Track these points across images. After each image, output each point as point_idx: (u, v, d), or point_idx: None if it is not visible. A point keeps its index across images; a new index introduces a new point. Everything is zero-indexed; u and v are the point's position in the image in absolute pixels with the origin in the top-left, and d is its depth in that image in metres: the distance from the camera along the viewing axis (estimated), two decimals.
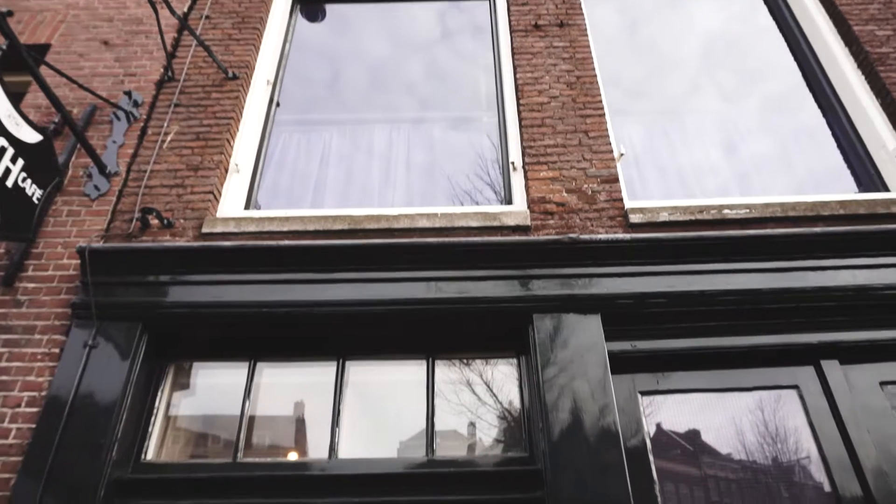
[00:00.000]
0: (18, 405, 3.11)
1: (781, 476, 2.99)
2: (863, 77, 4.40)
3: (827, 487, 2.92)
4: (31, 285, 3.48)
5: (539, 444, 2.96)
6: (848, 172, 4.20)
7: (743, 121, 4.51)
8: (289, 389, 3.44)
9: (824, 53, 4.70)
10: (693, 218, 3.55)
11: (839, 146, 4.34)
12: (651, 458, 2.97)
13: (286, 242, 3.41)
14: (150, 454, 3.20)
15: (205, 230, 3.62)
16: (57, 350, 3.25)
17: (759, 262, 3.33)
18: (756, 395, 3.19)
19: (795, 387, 3.19)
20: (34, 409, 3.09)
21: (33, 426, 3.02)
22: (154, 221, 3.67)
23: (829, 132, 4.43)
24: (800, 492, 2.96)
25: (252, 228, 3.63)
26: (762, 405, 3.16)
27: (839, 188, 4.07)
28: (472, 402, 3.32)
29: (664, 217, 3.55)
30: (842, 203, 3.60)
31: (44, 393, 3.12)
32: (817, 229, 3.38)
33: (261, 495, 2.96)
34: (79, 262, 3.44)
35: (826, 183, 4.15)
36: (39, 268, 3.55)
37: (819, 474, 2.96)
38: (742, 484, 2.97)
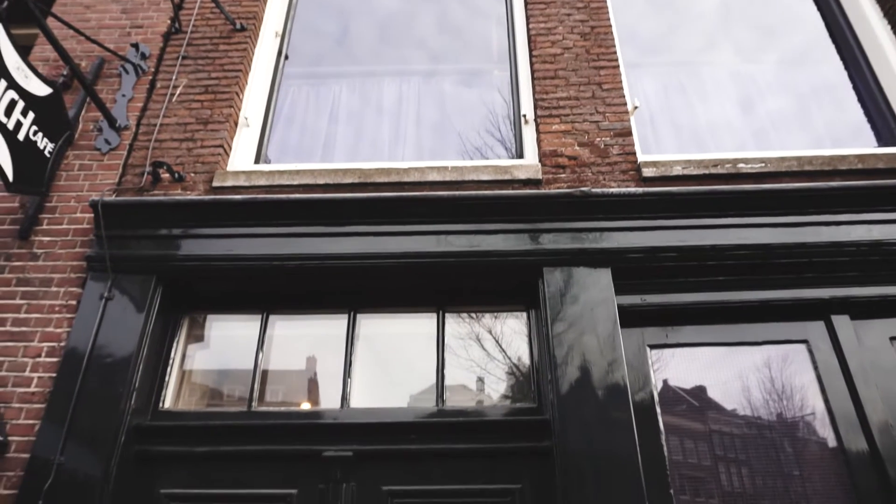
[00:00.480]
0: (39, 355, 3.19)
1: (788, 432, 3.01)
2: (889, 28, 4.25)
3: (833, 443, 2.94)
4: (47, 239, 3.53)
5: (547, 395, 3.00)
6: (868, 128, 4.11)
7: (762, 76, 4.39)
8: (301, 341, 3.50)
9: (849, 3, 4.54)
10: (707, 172, 3.50)
11: (860, 101, 4.23)
12: (658, 411, 3.00)
13: (296, 196, 3.42)
14: (168, 403, 3.28)
15: (215, 184, 3.63)
16: (74, 302, 3.30)
17: (772, 217, 3.29)
18: (764, 351, 3.19)
19: (805, 341, 3.19)
20: (54, 360, 3.16)
21: (54, 375, 3.09)
22: (165, 175, 3.68)
23: (850, 87, 4.31)
24: (805, 447, 2.99)
25: (262, 182, 3.63)
26: (770, 362, 3.17)
27: (858, 144, 3.98)
28: (482, 355, 3.36)
29: (677, 171, 3.50)
30: (860, 157, 3.53)
31: (62, 343, 3.18)
32: (833, 184, 3.33)
33: (275, 442, 3.04)
34: (92, 215, 3.47)
35: (845, 139, 4.06)
36: (54, 221, 3.58)
37: (825, 430, 2.98)
38: (748, 439, 3.00)
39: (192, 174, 3.69)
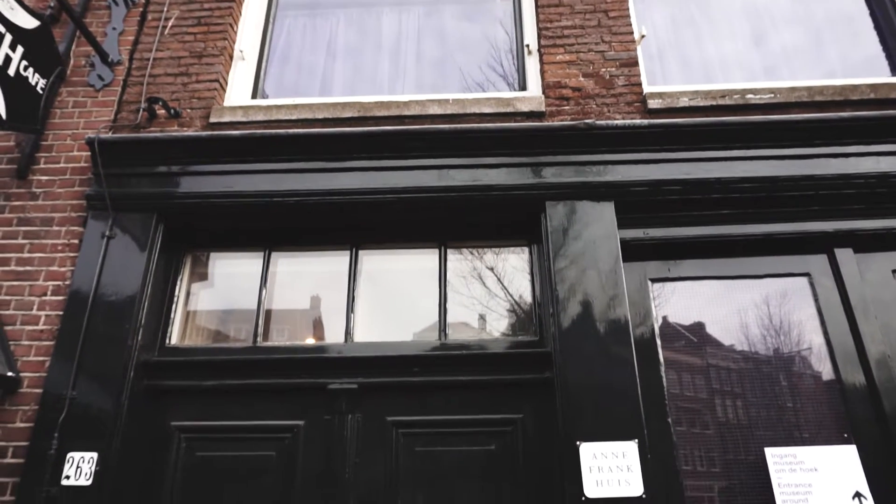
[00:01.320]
0: (44, 294, 3.22)
1: (784, 366, 3.04)
2: None
3: (829, 376, 2.97)
4: (45, 178, 3.50)
5: (549, 329, 3.03)
6: (883, 58, 3.97)
7: (775, 6, 4.21)
8: (304, 278, 3.52)
9: None
10: (714, 103, 3.42)
11: (877, 28, 4.07)
12: (659, 344, 3.03)
13: (295, 131, 3.36)
14: (174, 339, 3.33)
15: (212, 120, 3.56)
16: (76, 241, 3.31)
17: (779, 149, 3.23)
18: (765, 286, 3.19)
19: (807, 274, 3.18)
20: (60, 298, 3.19)
21: (60, 313, 3.13)
22: (161, 111, 3.61)
23: (867, 15, 4.14)
24: (801, 381, 3.02)
25: (260, 117, 3.56)
26: (769, 298, 3.17)
27: (872, 74, 3.85)
28: (484, 291, 3.37)
29: (684, 102, 3.42)
30: (873, 87, 3.44)
31: (67, 282, 3.20)
32: (844, 114, 3.25)
33: (281, 376, 3.10)
34: (89, 153, 3.42)
35: (859, 70, 3.92)
36: (51, 160, 3.55)
37: (822, 364, 3.01)
38: (744, 373, 3.03)
39: (189, 110, 3.62)
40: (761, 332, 3.10)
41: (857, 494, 2.70)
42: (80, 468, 2.80)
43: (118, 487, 2.84)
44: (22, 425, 2.93)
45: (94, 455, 2.81)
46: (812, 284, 3.16)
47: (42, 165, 3.53)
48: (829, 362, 2.99)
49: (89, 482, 2.77)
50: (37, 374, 3.03)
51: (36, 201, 3.43)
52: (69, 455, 2.81)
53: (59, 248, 3.32)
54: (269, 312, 3.40)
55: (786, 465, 2.77)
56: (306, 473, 2.93)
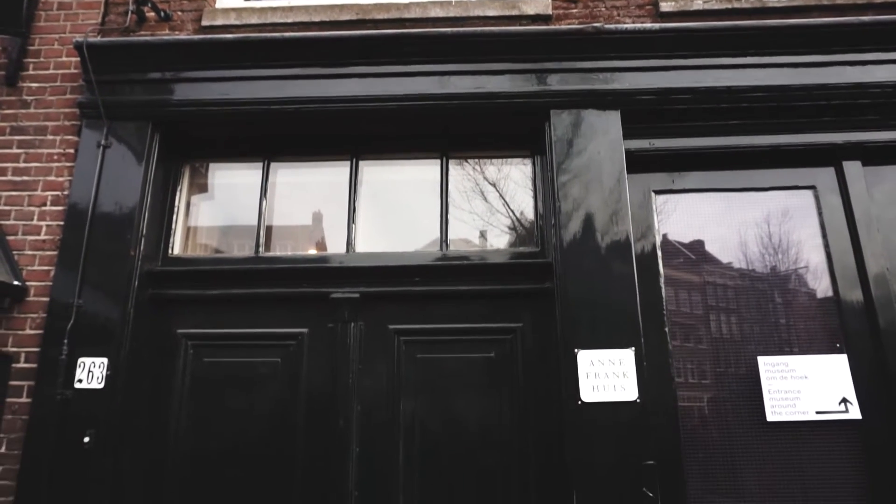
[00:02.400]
0: (44, 204, 3.20)
1: (786, 283, 3.05)
2: None
3: (827, 293, 2.99)
4: (35, 85, 3.40)
5: (550, 240, 3.03)
6: None
7: None
8: (304, 189, 3.49)
9: None
10: (730, 6, 3.26)
11: None
12: (659, 255, 3.04)
13: (291, 35, 3.23)
14: (177, 250, 3.35)
15: (205, 23, 3.42)
16: (72, 150, 3.26)
17: (794, 56, 3.11)
18: (768, 202, 3.15)
19: (812, 188, 3.14)
20: (59, 208, 3.18)
21: (62, 223, 3.13)
22: (150, 14, 3.45)
23: None
24: (801, 297, 3.04)
25: (254, 20, 3.41)
26: (773, 215, 3.14)
27: None
28: (486, 203, 3.35)
29: (698, 5, 3.26)
30: None
31: (66, 192, 3.18)
32: (865, 18, 3.10)
33: (284, 285, 3.13)
34: (79, 59, 3.30)
35: None
36: (40, 66, 3.44)
37: (821, 280, 3.02)
38: (741, 290, 3.04)
39: (179, 12, 3.46)
40: (761, 250, 3.10)
41: (844, 400, 2.79)
42: (91, 372, 2.88)
43: (130, 391, 2.94)
44: (32, 332, 3.00)
45: (105, 360, 2.89)
46: (817, 198, 3.12)
47: (31, 72, 3.43)
48: (827, 278, 3.01)
49: (101, 385, 2.86)
50: (42, 283, 3.07)
51: (28, 109, 3.36)
52: (80, 360, 2.89)
53: (55, 157, 3.27)
54: (270, 220, 3.40)
55: (777, 372, 2.85)
56: (311, 379, 3.03)
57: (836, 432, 2.78)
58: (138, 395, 3.00)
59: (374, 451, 2.91)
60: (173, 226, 3.35)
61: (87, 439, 2.79)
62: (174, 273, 3.19)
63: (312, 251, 3.40)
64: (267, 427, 2.99)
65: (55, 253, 3.09)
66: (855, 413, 2.76)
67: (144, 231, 3.12)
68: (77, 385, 2.86)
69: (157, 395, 3.06)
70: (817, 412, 2.78)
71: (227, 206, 3.52)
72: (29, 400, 2.88)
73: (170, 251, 3.30)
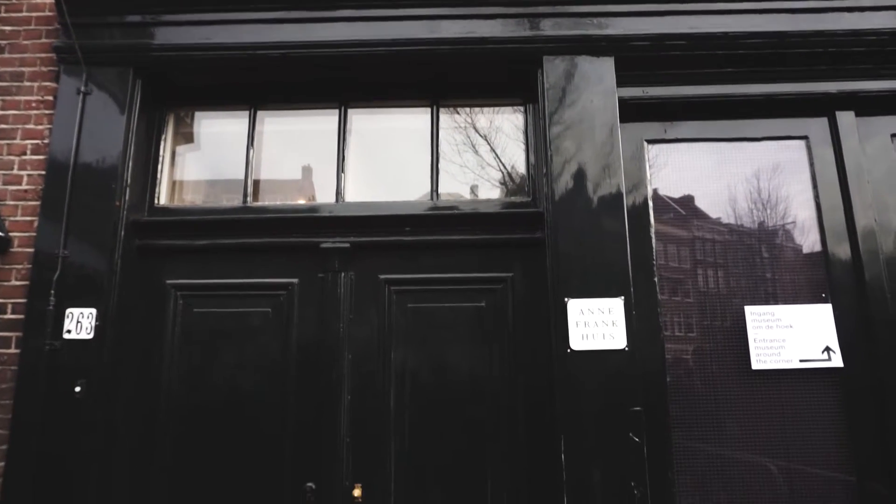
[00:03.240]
0: (24, 153, 3.12)
1: (774, 237, 3.05)
2: None
3: (816, 245, 3.00)
4: (8, 28, 3.28)
5: (542, 189, 3.01)
6: None
7: None
8: (292, 138, 3.42)
9: None
10: None
11: None
12: (650, 206, 3.03)
13: None
14: (163, 200, 3.30)
15: None
16: (51, 98, 3.16)
17: (793, 1, 3.05)
18: (760, 154, 3.12)
19: (805, 138, 3.13)
20: (40, 157, 3.10)
21: (43, 173, 3.06)
22: None
23: None
24: (788, 251, 3.04)
25: None
26: (765, 166, 3.11)
27: None
28: (477, 152, 3.31)
29: None
30: None
31: (46, 141, 3.10)
32: None
33: (273, 235, 3.11)
34: (53, 1, 3.17)
35: None
36: (12, 8, 3.30)
37: (810, 233, 3.02)
38: (729, 245, 3.04)
39: None
40: (750, 205, 3.09)
41: (827, 349, 2.85)
42: (80, 323, 2.87)
43: (120, 342, 2.94)
44: (17, 283, 2.96)
45: (93, 311, 2.87)
46: (809, 149, 3.11)
47: (4, 14, 3.29)
48: (816, 230, 3.01)
49: (90, 336, 2.85)
50: (26, 234, 3.02)
51: (2, 54, 3.24)
52: (68, 311, 2.87)
53: (34, 104, 3.17)
54: (257, 173, 3.35)
55: (763, 321, 2.89)
56: (302, 329, 3.03)
57: (819, 380, 2.84)
58: (128, 346, 3.00)
59: (366, 399, 2.95)
60: (158, 175, 3.29)
61: (78, 389, 2.80)
62: (161, 223, 3.15)
63: (301, 200, 3.36)
64: (259, 376, 3.00)
65: (38, 203, 3.03)
66: (837, 361, 2.82)
67: (129, 181, 3.05)
68: (66, 336, 2.85)
69: (147, 346, 3.06)
70: (801, 360, 2.84)
71: (214, 155, 3.46)
72: (18, 351, 2.87)
73: (156, 201, 3.25)
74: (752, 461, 2.79)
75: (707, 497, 2.76)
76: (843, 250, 2.96)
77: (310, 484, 2.86)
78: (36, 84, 3.20)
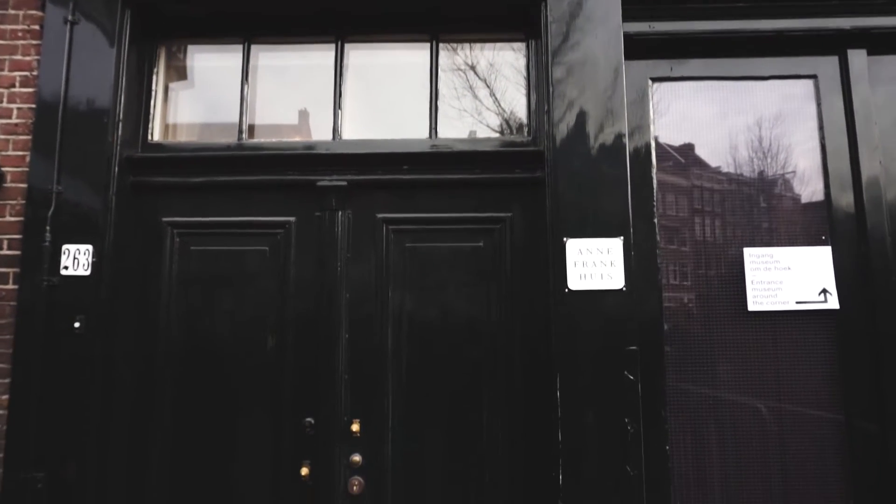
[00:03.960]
0: (13, 85, 3.05)
1: (775, 185, 3.01)
2: None
3: (819, 192, 2.96)
4: None
5: (543, 127, 2.95)
6: None
7: None
8: (287, 73, 3.33)
9: None
10: None
11: None
12: (652, 144, 2.98)
13: None
14: (157, 136, 3.24)
15: None
16: (37, 27, 3.06)
17: None
18: (767, 94, 3.04)
19: (814, 77, 3.04)
20: (30, 90, 3.03)
21: (33, 106, 2.99)
22: None
23: None
24: (788, 199, 3.00)
25: None
26: (772, 105, 3.04)
27: None
28: (477, 92, 3.23)
29: None
30: None
31: (35, 73, 3.02)
32: None
33: (269, 172, 3.06)
34: None
35: None
36: None
37: (813, 173, 2.97)
38: (726, 194, 3.00)
39: None
40: (750, 153, 3.03)
41: (824, 290, 2.85)
42: (76, 259, 2.86)
43: (117, 279, 2.94)
44: (12, 219, 2.94)
45: (90, 247, 2.86)
46: (817, 88, 3.02)
47: None
48: (820, 174, 2.96)
49: (88, 272, 2.85)
50: (19, 169, 2.98)
51: None
52: (64, 247, 2.86)
53: (20, 34, 3.07)
54: (252, 115, 3.28)
55: (761, 263, 2.88)
56: (299, 267, 3.03)
57: (814, 321, 2.85)
58: (126, 283, 3.00)
59: (363, 338, 2.97)
60: (151, 111, 3.21)
61: (77, 325, 2.81)
62: (155, 159, 3.10)
63: (297, 137, 3.30)
64: (257, 315, 3.02)
65: (29, 138, 2.97)
66: (833, 303, 2.83)
67: (121, 116, 2.99)
68: (63, 272, 2.85)
69: (145, 284, 3.06)
70: (797, 302, 2.84)
71: (207, 91, 3.37)
72: (16, 286, 2.87)
73: (149, 137, 3.19)
74: (743, 401, 2.83)
75: (698, 435, 2.82)
76: (846, 193, 2.92)
77: (309, 419, 2.91)
78: (21, 12, 3.09)
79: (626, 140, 2.84)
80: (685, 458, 2.79)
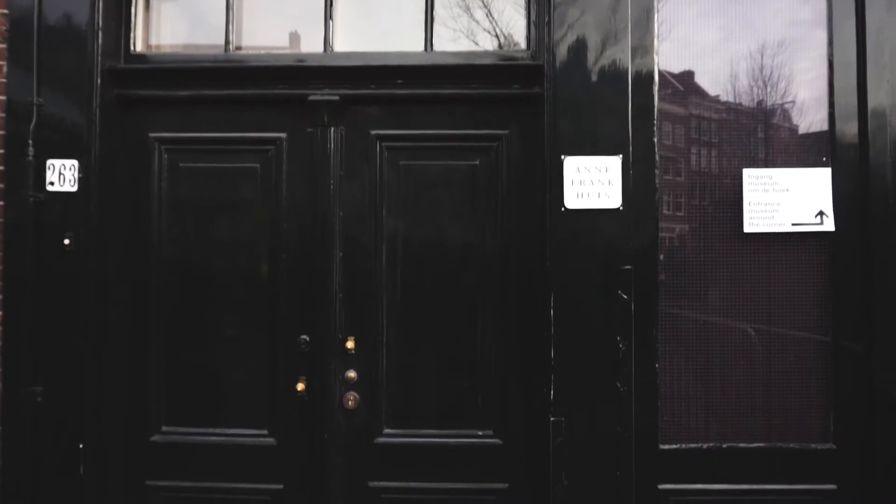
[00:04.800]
0: None
1: (776, 114, 2.93)
2: None
3: (816, 127, 2.89)
4: None
5: (543, 40, 2.82)
6: None
7: None
8: None
9: None
10: None
11: None
12: (655, 59, 2.85)
13: None
14: (139, 46, 3.09)
15: None
16: None
17: None
18: (773, 25, 2.90)
19: None
20: None
21: (5, 11, 2.83)
22: None
23: None
24: (789, 129, 2.93)
25: None
26: (766, 48, 2.92)
27: None
28: (472, 15, 3.08)
29: None
30: None
31: None
32: None
33: (259, 86, 2.96)
34: None
35: None
36: None
37: (815, 102, 2.88)
38: (724, 124, 2.92)
39: None
40: (750, 82, 2.92)
41: (821, 213, 2.83)
42: (62, 175, 2.79)
43: (105, 195, 2.88)
44: None
45: (75, 163, 2.80)
46: (830, 8, 2.89)
47: None
48: (825, 89, 2.86)
49: (75, 188, 2.79)
50: None
51: None
52: (49, 162, 2.79)
53: None
54: (239, 26, 3.12)
55: (760, 185, 2.84)
56: (291, 185, 2.98)
57: (808, 243, 2.84)
58: (115, 201, 2.95)
59: (357, 257, 2.96)
60: (133, 19, 3.05)
61: (67, 241, 2.78)
62: (139, 71, 2.98)
63: (286, 49, 3.17)
64: (249, 234, 3.00)
65: (4, 46, 2.83)
66: (829, 225, 2.81)
67: (101, 23, 2.84)
68: (49, 188, 2.79)
69: (134, 202, 3.02)
70: (793, 224, 2.83)
71: (191, 2, 3.21)
72: (2, 203, 2.81)
73: (131, 47, 3.04)
74: (733, 324, 2.87)
75: (687, 355, 2.86)
76: (851, 124, 2.81)
77: (304, 337, 2.94)
78: None
79: (629, 55, 2.74)
80: (674, 377, 2.84)
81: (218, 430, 2.99)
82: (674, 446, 2.77)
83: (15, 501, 2.77)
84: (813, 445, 2.78)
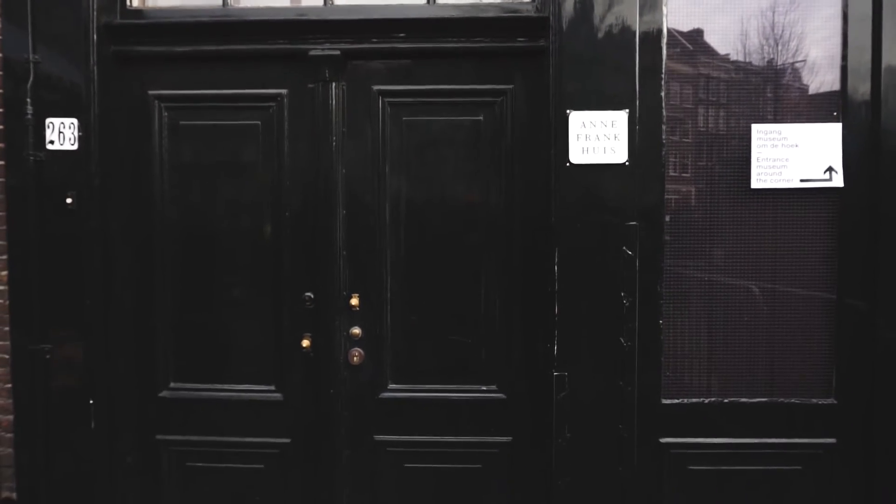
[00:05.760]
0: None
1: (776, 78, 2.86)
2: None
3: (827, 87, 2.82)
4: None
5: None
6: None
7: None
8: None
9: None
10: None
11: None
12: (664, 10, 2.78)
13: None
14: (136, 1, 3.02)
15: None
16: None
17: None
18: None
19: None
20: None
21: None
22: None
23: None
24: (788, 92, 2.87)
25: None
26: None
27: None
28: None
29: None
30: None
31: None
32: None
33: (258, 41, 2.90)
34: None
35: None
36: None
37: (824, 75, 2.82)
38: (733, 83, 2.85)
39: None
40: (760, 41, 2.84)
41: (829, 169, 2.78)
42: (62, 133, 2.78)
43: (106, 154, 2.87)
44: None
45: (74, 121, 2.78)
46: None
47: None
48: (838, 73, 2.78)
49: (75, 147, 2.78)
50: None
51: None
52: (48, 121, 2.77)
53: None
54: None
55: (768, 140, 2.79)
56: (293, 143, 2.95)
57: (815, 199, 2.80)
58: (115, 160, 2.93)
59: (360, 213, 2.95)
60: None
61: (69, 200, 2.78)
62: (136, 26, 2.92)
63: (287, 3, 3.10)
64: (251, 192, 2.98)
65: None
66: (838, 181, 2.77)
67: None
68: (49, 147, 2.78)
69: (135, 161, 2.99)
70: (801, 180, 2.79)
71: None
72: (2, 162, 2.80)
73: (128, 2, 2.96)
74: (738, 282, 2.86)
75: (691, 312, 2.86)
76: (864, 81, 2.73)
77: (308, 294, 2.95)
78: None
79: (637, 10, 2.67)
80: (677, 333, 2.85)
81: (226, 387, 3.03)
82: (676, 401, 2.80)
83: (29, 452, 2.84)
84: (814, 400, 2.80)
